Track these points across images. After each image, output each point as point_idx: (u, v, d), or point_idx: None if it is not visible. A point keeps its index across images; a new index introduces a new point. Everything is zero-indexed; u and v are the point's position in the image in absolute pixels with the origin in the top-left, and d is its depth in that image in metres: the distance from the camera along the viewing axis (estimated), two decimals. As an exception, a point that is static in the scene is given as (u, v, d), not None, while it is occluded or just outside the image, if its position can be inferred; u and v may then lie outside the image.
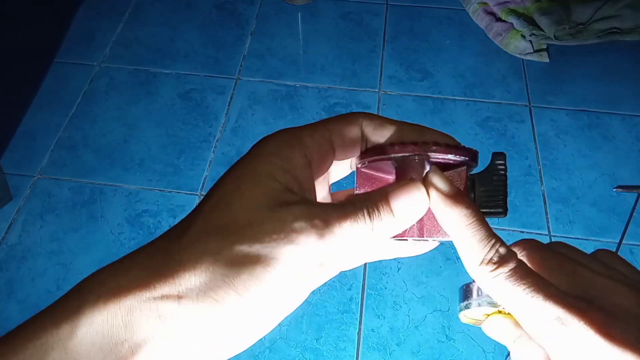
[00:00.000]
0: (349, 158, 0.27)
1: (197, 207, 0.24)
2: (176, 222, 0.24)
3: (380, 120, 0.26)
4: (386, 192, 0.24)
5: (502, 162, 0.26)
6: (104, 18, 1.60)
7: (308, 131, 0.25)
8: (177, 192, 1.21)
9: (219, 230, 0.22)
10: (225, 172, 0.25)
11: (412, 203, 0.24)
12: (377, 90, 1.42)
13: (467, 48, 1.54)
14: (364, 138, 0.26)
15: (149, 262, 0.22)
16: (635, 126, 1.36)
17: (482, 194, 0.26)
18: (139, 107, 1.38)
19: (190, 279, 0.21)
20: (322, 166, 0.26)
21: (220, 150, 1.29)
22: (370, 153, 0.26)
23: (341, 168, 0.29)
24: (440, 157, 0.25)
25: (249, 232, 0.22)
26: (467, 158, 0.25)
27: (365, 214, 0.23)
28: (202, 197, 1.20)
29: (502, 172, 0.26)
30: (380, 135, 0.26)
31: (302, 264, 0.22)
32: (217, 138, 1.32)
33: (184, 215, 0.24)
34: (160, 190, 1.21)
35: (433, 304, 1.05)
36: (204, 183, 1.23)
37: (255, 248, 0.21)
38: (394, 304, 1.05)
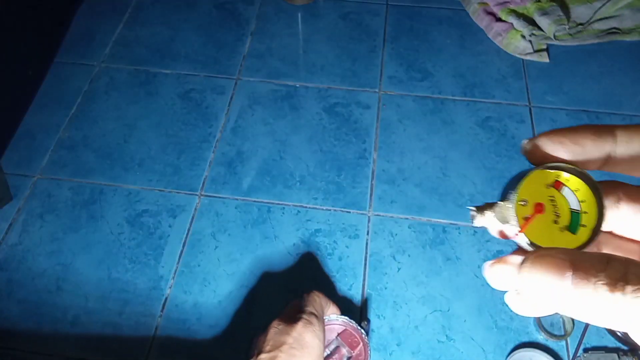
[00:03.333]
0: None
1: None
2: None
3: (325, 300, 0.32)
4: None
5: None
6: (104, 18, 1.60)
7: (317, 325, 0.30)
8: (177, 192, 1.20)
9: None
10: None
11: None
12: (377, 91, 1.42)
13: (467, 48, 1.54)
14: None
15: None
16: (635, 126, 1.36)
17: None
18: (139, 107, 1.38)
19: None
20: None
21: (220, 150, 1.29)
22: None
23: None
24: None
25: None
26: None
27: None
28: (202, 197, 1.19)
29: None
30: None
31: None
32: (217, 138, 1.32)
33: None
34: (160, 190, 1.21)
35: (433, 304, 1.05)
36: (204, 183, 1.23)
37: None
38: (394, 304, 1.05)
